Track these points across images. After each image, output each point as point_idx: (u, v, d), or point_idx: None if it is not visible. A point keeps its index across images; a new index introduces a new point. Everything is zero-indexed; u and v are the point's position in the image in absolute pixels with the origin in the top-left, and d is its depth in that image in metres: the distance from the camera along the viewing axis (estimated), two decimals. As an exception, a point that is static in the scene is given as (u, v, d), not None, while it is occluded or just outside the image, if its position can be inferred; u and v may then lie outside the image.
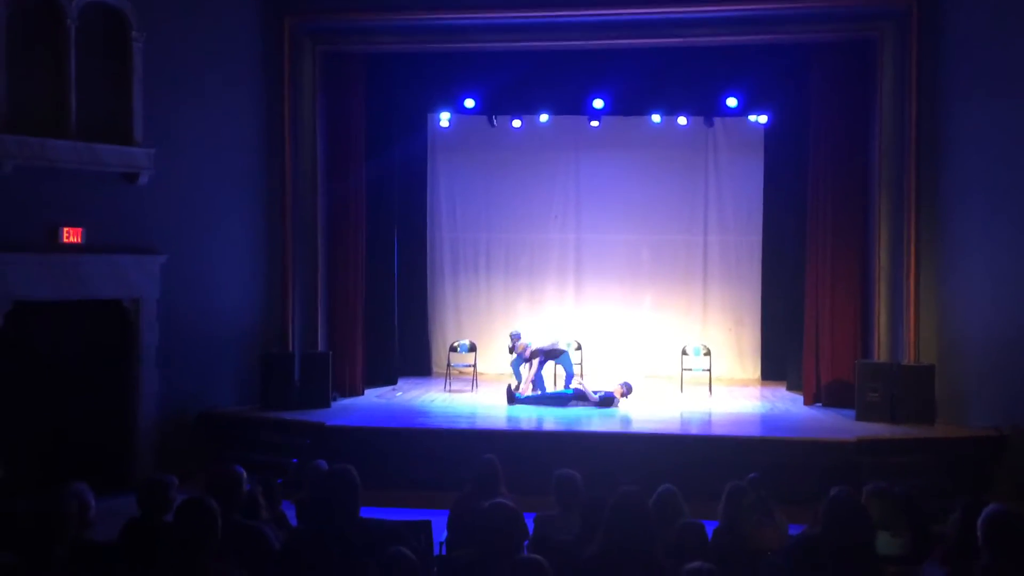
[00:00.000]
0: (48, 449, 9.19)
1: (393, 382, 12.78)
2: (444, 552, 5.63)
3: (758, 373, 13.60)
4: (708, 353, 12.47)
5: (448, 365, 12.78)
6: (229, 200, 10.88)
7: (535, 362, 11.79)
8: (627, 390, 11.26)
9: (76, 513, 4.12)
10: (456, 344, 13.03)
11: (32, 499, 3.88)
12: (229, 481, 4.48)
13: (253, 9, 11.08)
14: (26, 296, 9.11)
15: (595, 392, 11.23)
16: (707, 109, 12.62)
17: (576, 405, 11.16)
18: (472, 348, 12.85)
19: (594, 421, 10.44)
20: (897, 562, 4.99)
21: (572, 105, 12.65)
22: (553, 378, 12.27)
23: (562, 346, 12.18)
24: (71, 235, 9.44)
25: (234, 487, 4.47)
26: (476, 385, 12.50)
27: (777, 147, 12.99)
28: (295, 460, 9.31)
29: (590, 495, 4.84)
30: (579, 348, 12.95)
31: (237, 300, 10.98)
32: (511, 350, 12.22)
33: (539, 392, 11.63)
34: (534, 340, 12.10)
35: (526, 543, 4.77)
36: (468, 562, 4.07)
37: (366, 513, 4.22)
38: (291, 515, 6.06)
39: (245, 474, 4.62)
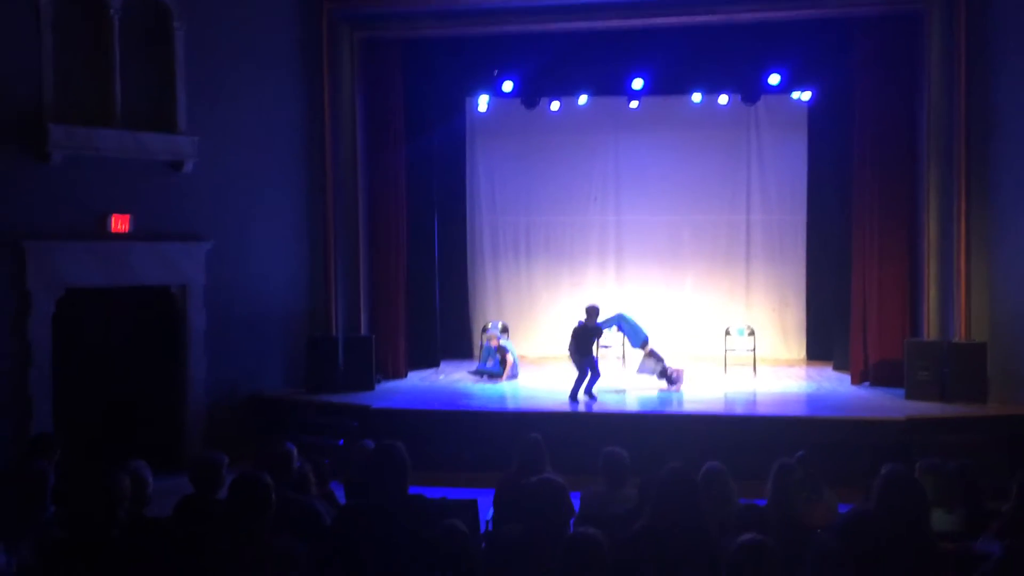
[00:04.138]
0: (101, 431, 9.40)
1: (435, 365, 12.84)
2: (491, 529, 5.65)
3: (803, 353, 13.44)
4: (752, 333, 12.34)
5: (490, 348, 12.78)
6: (271, 186, 11.00)
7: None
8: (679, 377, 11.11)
9: (132, 489, 4.21)
10: (488, 325, 13.04)
11: (92, 475, 3.96)
12: (281, 458, 4.54)
13: (292, -4, 11.15)
14: (77, 283, 9.33)
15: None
16: (748, 87, 12.40)
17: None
18: (504, 329, 12.78)
19: (638, 402, 10.40)
20: (952, 538, 4.90)
21: (611, 86, 12.54)
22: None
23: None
24: (119, 223, 9.62)
25: (286, 463, 4.53)
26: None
27: (821, 124, 12.79)
28: (340, 441, 9.42)
29: (645, 473, 4.80)
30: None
31: (281, 285, 11.11)
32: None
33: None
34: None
35: (572, 519, 4.76)
36: (516, 537, 4.08)
37: (413, 492, 4.24)
38: (339, 494, 6.13)
39: (296, 451, 4.68)
